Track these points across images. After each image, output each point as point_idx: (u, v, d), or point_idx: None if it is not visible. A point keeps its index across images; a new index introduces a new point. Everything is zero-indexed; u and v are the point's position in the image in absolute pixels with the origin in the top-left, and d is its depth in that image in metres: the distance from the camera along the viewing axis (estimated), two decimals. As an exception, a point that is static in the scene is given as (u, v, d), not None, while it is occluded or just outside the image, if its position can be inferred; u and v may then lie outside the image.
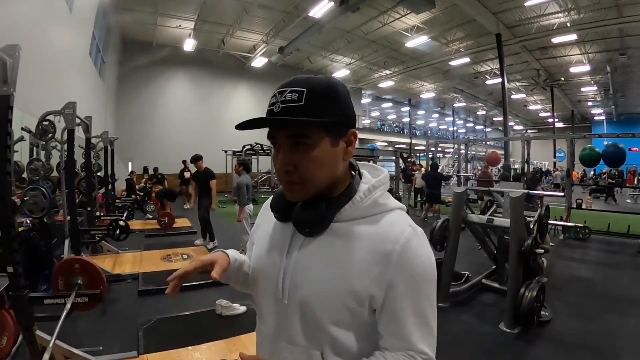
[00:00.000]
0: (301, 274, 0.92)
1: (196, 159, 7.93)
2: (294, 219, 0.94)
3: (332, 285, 0.87)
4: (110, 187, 9.05)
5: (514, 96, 30.50)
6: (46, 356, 2.71)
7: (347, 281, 0.86)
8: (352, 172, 1.00)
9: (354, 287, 0.86)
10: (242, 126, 0.88)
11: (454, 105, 36.56)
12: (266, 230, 1.09)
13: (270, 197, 1.12)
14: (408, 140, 35.27)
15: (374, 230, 0.89)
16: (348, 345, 0.90)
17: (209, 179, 7.79)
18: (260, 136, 16.79)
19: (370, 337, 0.91)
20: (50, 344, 2.79)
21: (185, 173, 14.82)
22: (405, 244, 0.86)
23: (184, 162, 14.77)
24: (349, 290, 0.86)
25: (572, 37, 17.06)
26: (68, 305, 3.07)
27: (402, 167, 16.64)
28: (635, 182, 21.01)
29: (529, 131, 42.19)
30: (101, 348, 3.47)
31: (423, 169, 15.40)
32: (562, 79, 25.21)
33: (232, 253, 1.15)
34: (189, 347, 3.49)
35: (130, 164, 16.81)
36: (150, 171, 13.67)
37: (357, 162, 1.07)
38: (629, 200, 17.89)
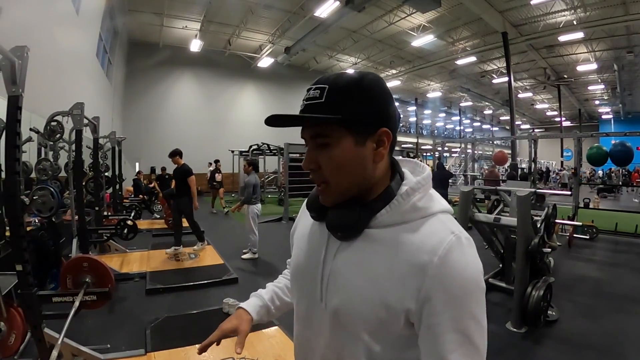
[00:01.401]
0: (336, 281, 0.89)
1: (174, 153, 7.27)
2: (327, 221, 0.91)
3: (364, 295, 0.83)
4: (117, 187, 9.10)
5: (521, 95, 30.38)
6: (54, 353, 2.74)
7: (380, 292, 0.81)
8: (395, 173, 0.94)
9: (386, 299, 0.81)
10: (268, 122, 0.86)
11: (461, 104, 36.44)
12: (304, 230, 1.07)
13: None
14: (415, 140, 35.27)
15: (411, 239, 0.82)
16: (384, 357, 0.85)
17: (186, 175, 7.09)
18: (267, 136, 16.82)
19: (407, 350, 0.85)
20: (59, 342, 2.82)
21: (216, 175, 13.58)
22: (445, 255, 0.77)
23: (216, 162, 14.07)
24: (382, 302, 0.81)
25: (579, 35, 16.93)
26: (76, 303, 3.10)
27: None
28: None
29: (536, 130, 42.04)
30: (109, 346, 3.50)
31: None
32: (566, 76, 25.07)
33: (254, 303, 1.22)
34: (196, 345, 3.49)
35: (137, 164, 16.91)
36: (158, 171, 13.59)
37: (400, 158, 1.01)
38: (636, 200, 17.77)
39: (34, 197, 3.89)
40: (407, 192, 0.86)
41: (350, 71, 0.87)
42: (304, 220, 1.09)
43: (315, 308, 0.94)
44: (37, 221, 4.78)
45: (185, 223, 7.31)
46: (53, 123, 4.80)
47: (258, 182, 7.05)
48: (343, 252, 0.89)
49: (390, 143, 0.87)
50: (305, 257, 1.00)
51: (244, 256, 7.08)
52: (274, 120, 0.84)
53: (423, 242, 0.80)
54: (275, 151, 16.99)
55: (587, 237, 8.84)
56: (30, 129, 5.09)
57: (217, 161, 14.04)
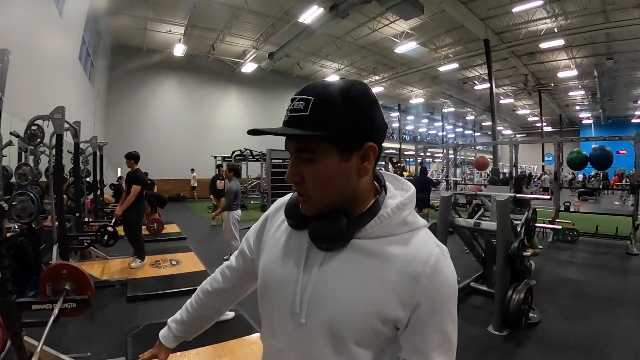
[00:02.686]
0: (324, 292, 0.87)
1: (129, 156, 6.63)
2: (310, 231, 0.89)
3: (359, 306, 0.84)
4: (99, 192, 8.98)
5: (503, 101, 30.75)
6: (34, 361, 2.70)
7: (375, 303, 0.83)
8: (377, 185, 0.95)
9: (382, 309, 0.83)
10: (251, 132, 0.85)
11: (443, 110, 36.74)
12: (277, 237, 1.02)
13: (281, 198, 1.09)
14: (397, 145, 35.48)
15: (403, 251, 0.85)
16: None
17: (132, 182, 6.49)
18: (250, 142, 16.76)
19: (388, 352, 0.90)
20: (38, 349, 2.78)
21: (218, 182, 12.13)
22: (434, 265, 0.83)
23: (218, 167, 13.05)
24: (378, 312, 0.83)
25: (560, 42, 17.23)
26: (56, 311, 3.06)
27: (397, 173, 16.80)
28: (624, 182, 21.20)
29: (517, 135, 42.54)
30: (89, 354, 3.46)
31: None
32: (546, 83, 25.46)
33: (166, 335, 1.33)
34: (177, 353, 3.47)
35: (119, 169, 16.71)
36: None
37: (381, 172, 1.01)
38: (617, 202, 18.05)
39: (14, 203, 3.85)
40: (398, 206, 0.88)
41: (337, 80, 0.85)
42: (277, 224, 1.06)
43: (291, 320, 0.91)
44: (16, 227, 4.71)
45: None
46: (33, 127, 4.74)
47: (240, 188, 7.01)
48: (329, 262, 0.88)
49: (376, 156, 0.87)
50: (281, 266, 0.96)
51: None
52: (256, 131, 0.83)
53: (416, 253, 0.84)
54: (258, 157, 16.94)
55: (569, 240, 8.98)
56: (11, 133, 5.03)
57: (219, 166, 13.27)
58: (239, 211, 6.97)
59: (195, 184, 20.00)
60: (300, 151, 0.84)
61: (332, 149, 0.82)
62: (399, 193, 0.94)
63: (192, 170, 19.80)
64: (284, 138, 0.87)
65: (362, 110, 0.83)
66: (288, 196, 1.03)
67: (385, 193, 0.93)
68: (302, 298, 0.89)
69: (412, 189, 0.95)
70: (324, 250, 0.89)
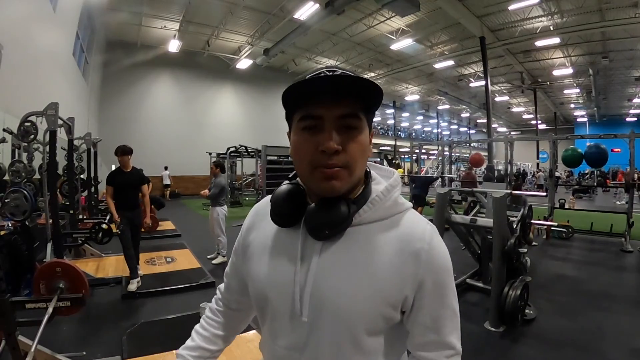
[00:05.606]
0: (326, 287, 0.83)
1: (126, 151, 5.59)
2: (308, 221, 0.84)
3: (365, 296, 0.81)
4: (93, 189, 8.92)
5: (498, 98, 30.83)
6: (28, 361, 2.68)
7: (381, 288, 0.81)
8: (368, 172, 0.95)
9: (388, 293, 0.82)
10: (293, 89, 0.79)
11: (439, 107, 36.87)
12: (263, 241, 0.96)
13: (255, 206, 1.07)
14: (393, 142, 35.51)
15: (398, 231, 0.85)
16: (377, 353, 0.85)
17: (144, 182, 5.76)
18: (245, 138, 16.73)
19: (398, 337, 0.90)
20: (32, 349, 2.75)
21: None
22: (431, 241, 0.85)
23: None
24: (385, 297, 0.81)
25: (555, 40, 17.32)
26: (50, 310, 3.03)
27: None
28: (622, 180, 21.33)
29: (512, 133, 42.66)
30: (84, 353, 3.44)
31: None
32: (542, 80, 25.53)
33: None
34: (173, 351, 3.44)
35: (113, 166, 16.63)
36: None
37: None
38: (619, 202, 18.11)
39: (7, 200, 3.81)
40: (387, 188, 0.89)
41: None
42: (261, 229, 0.99)
43: (295, 321, 0.86)
44: (10, 225, 4.67)
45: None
46: (27, 123, 4.68)
47: (226, 184, 7.01)
48: (327, 253, 0.85)
49: None
50: (274, 269, 0.91)
51: (214, 261, 6.88)
52: (309, 83, 0.78)
53: (412, 232, 0.86)
54: (252, 153, 16.85)
55: (564, 230, 9.05)
56: (4, 130, 4.99)
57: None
58: (225, 207, 6.92)
59: (169, 182, 19.91)
60: (349, 117, 0.81)
61: (366, 123, 0.85)
62: (384, 179, 0.94)
63: (166, 167, 19.77)
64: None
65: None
66: (262, 201, 1.04)
67: (370, 179, 0.93)
68: (302, 296, 0.84)
69: (396, 172, 0.98)
70: (323, 239, 0.84)
